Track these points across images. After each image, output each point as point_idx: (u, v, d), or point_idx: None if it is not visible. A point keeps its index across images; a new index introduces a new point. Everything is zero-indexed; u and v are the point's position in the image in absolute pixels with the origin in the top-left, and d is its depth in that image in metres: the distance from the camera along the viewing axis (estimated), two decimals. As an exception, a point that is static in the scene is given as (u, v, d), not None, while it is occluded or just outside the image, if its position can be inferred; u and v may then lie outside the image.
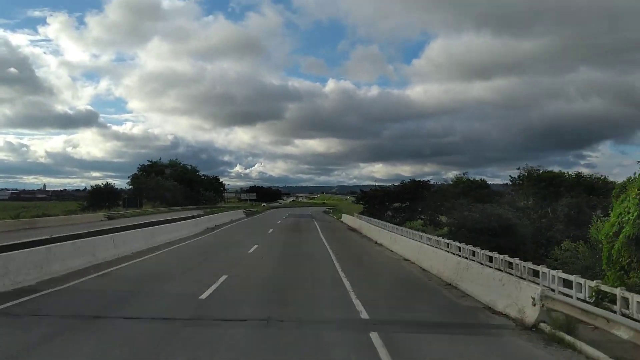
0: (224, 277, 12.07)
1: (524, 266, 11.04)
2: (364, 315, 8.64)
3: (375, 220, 32.07)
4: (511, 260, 10.12)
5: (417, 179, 46.49)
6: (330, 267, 14.86)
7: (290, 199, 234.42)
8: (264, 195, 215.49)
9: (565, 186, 50.25)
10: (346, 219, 44.12)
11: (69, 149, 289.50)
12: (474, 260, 11.97)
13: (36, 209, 64.66)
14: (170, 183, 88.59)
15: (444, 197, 46.09)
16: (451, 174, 48.77)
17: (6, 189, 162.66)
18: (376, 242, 24.35)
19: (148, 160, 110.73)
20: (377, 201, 46.28)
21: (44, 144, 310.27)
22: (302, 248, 21.09)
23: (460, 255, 12.48)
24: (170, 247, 19.55)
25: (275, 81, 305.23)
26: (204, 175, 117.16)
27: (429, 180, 47.00)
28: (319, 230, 33.35)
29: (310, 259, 16.80)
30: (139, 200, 72.02)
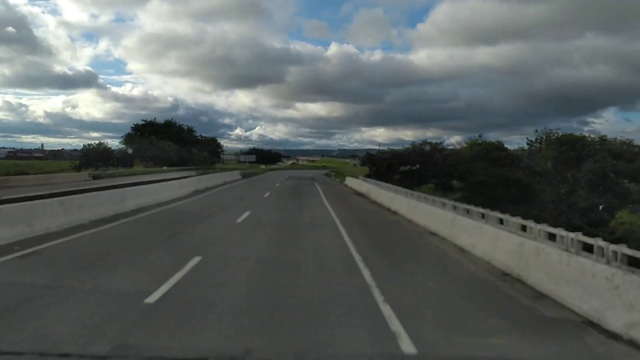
0: (194, 261, 8.65)
1: None
2: (407, 345, 5.16)
3: (385, 184, 28.61)
4: (631, 252, 6.64)
5: (429, 141, 42.68)
6: (340, 246, 11.44)
7: (290, 162, 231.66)
8: (264, 157, 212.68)
9: (588, 150, 46.53)
10: (351, 182, 40.70)
11: (68, 110, 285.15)
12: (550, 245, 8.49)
13: (27, 168, 62.11)
14: (165, 143, 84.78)
15: (458, 160, 42.50)
16: (454, 139, 44.53)
17: (3, 147, 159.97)
18: (389, 210, 20.94)
19: (142, 120, 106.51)
20: (384, 164, 42.64)
21: (42, 104, 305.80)
22: (303, 217, 17.67)
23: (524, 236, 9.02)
24: (142, 213, 16.10)
25: (277, 44, 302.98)
26: (200, 136, 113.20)
27: (441, 143, 43.16)
28: (322, 194, 29.93)
29: (313, 233, 13.35)
30: (130, 159, 68.58)
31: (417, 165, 41.87)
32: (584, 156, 44.89)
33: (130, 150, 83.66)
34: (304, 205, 21.89)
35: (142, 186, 20.70)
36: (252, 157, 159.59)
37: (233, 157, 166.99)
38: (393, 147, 46.02)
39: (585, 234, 7.73)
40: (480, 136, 47.93)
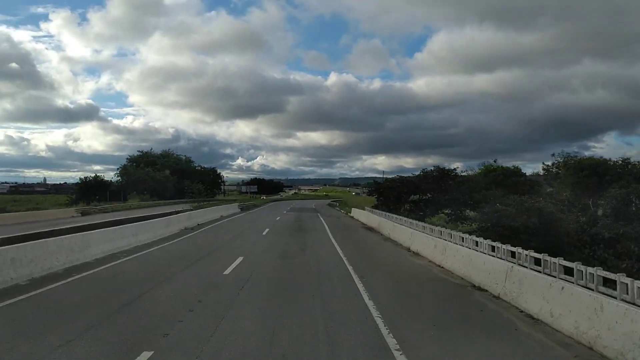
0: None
1: None
2: None
3: (397, 216, 25.44)
4: None
5: (442, 167, 39.48)
6: (358, 307, 8.25)
7: (292, 192, 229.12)
8: (266, 187, 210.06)
9: (611, 175, 43.40)
10: (358, 214, 37.51)
11: (70, 143, 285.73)
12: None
13: (25, 203, 59.54)
14: (162, 174, 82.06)
15: (472, 187, 39.30)
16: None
17: (6, 182, 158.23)
18: (409, 250, 17.66)
19: (139, 151, 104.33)
20: (394, 193, 39.46)
21: (44, 138, 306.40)
22: (308, 262, 14.38)
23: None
24: (106, 264, 12.87)
25: (277, 75, 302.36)
26: (199, 166, 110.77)
27: (454, 169, 40.02)
28: (328, 229, 26.71)
29: (323, 292, 10.06)
30: (124, 193, 65.62)
31: (429, 194, 38.70)
32: (607, 181, 41.71)
33: (122, 183, 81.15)
34: (308, 246, 18.62)
35: (117, 228, 17.50)
36: (254, 188, 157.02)
37: (235, 188, 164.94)
38: (401, 175, 42.83)
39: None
40: (495, 161, 44.96)
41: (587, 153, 68.34)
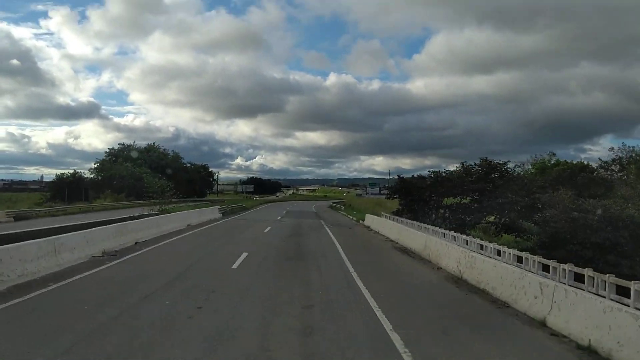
0: None
1: None
2: None
3: (462, 236, 15.68)
4: None
5: (490, 159, 29.36)
6: None
7: (290, 192, 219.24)
8: (263, 187, 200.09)
9: None
10: (377, 224, 27.62)
11: (70, 141, 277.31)
12: None
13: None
14: (143, 171, 72.00)
15: (528, 188, 29.37)
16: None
17: (2, 180, 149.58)
18: (498, 302, 7.75)
19: (119, 144, 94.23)
20: (425, 194, 29.54)
21: (45, 135, 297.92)
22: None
23: None
24: None
25: (277, 74, 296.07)
26: (190, 163, 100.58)
27: (505, 163, 29.88)
28: (343, 254, 16.74)
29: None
30: (85, 191, 55.74)
31: (471, 196, 28.73)
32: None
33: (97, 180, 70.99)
34: (313, 294, 8.81)
35: None
36: (250, 187, 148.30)
37: (232, 188, 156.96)
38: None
39: None
40: (554, 154, 34.73)
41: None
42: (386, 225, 24.70)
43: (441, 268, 13.54)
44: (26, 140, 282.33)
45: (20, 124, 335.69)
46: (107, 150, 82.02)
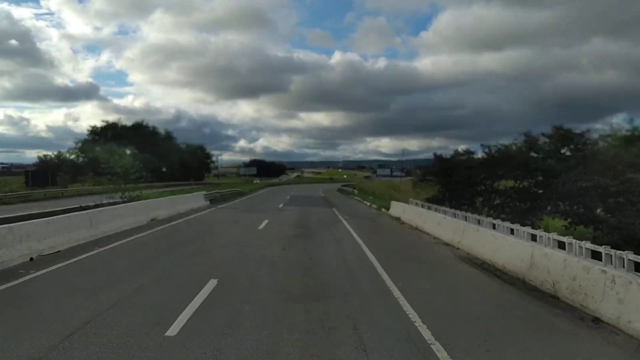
0: None
1: None
2: None
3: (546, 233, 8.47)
4: None
5: (566, 128, 21.79)
6: None
7: (295, 174, 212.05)
8: (266, 169, 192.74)
9: None
10: (408, 213, 20.26)
11: (70, 123, 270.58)
12: None
13: None
14: (120, 152, 64.87)
15: (609, 166, 21.94)
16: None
17: (2, 163, 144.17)
18: None
19: (103, 121, 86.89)
20: (478, 176, 22.19)
21: (44, 118, 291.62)
22: None
23: None
24: None
25: (280, 53, 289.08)
26: (185, 144, 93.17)
27: (584, 132, 22.29)
28: (377, 264, 9.48)
29: None
30: (50, 176, 48.74)
31: (540, 177, 21.37)
32: None
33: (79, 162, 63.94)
34: None
35: None
36: (253, 170, 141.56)
37: (235, 171, 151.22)
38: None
39: None
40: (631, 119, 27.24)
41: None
42: (430, 219, 17.38)
43: (600, 321, 6.33)
44: (25, 122, 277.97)
45: (19, 106, 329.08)
46: (90, 129, 74.74)
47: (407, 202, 24.57)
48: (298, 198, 40.08)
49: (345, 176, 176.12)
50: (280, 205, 28.56)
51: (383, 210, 26.70)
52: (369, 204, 33.12)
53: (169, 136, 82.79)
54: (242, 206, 27.84)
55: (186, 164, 79.30)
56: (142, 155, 66.45)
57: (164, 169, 70.28)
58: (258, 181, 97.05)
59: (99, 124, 73.54)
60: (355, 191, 48.59)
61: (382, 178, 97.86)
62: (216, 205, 27.10)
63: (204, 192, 27.78)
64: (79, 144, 65.28)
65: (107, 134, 70.57)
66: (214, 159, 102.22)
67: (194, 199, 25.84)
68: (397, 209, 23.33)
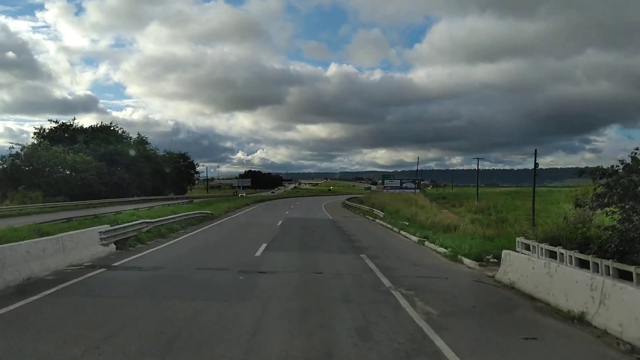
0: None
1: None
2: None
3: None
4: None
5: None
6: None
7: (292, 186, 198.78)
8: (262, 181, 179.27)
9: None
10: (558, 283, 6.57)
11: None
12: None
13: None
14: (81, 158, 51.16)
15: None
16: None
17: None
18: None
19: (50, 120, 73.37)
20: None
21: None
22: None
23: None
24: None
25: (277, 65, 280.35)
26: (165, 152, 79.64)
27: None
28: None
29: None
30: None
31: None
32: None
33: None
34: None
35: None
36: (247, 182, 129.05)
37: (231, 182, 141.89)
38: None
39: None
40: None
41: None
42: None
43: None
44: (25, 135, 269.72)
45: (18, 119, 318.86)
46: (37, 130, 60.80)
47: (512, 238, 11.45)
48: (293, 225, 26.50)
49: (365, 189, 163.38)
50: (260, 250, 14.96)
51: (465, 261, 13.22)
52: (416, 238, 19.54)
53: (142, 141, 69.13)
54: (173, 260, 13.61)
55: (163, 174, 65.61)
56: (98, 164, 52.87)
57: (128, 181, 56.59)
58: (244, 194, 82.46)
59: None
60: (378, 212, 34.66)
61: (391, 190, 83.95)
62: (119, 258, 13.18)
63: (108, 227, 13.86)
64: (12, 148, 50.72)
65: (58, 136, 56.92)
66: (199, 169, 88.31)
67: (90, 237, 12.27)
68: (514, 263, 9.98)
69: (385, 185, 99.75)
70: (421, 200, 69.18)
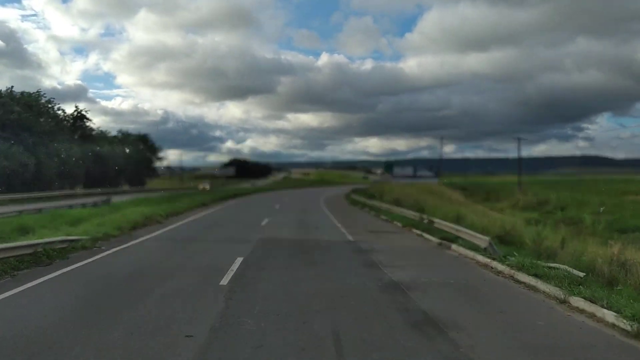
0: None
1: None
2: None
3: None
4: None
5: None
6: None
7: (282, 176, 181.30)
8: (249, 170, 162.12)
9: None
10: None
11: None
12: None
13: None
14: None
15: None
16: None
17: None
18: None
19: None
20: None
21: None
22: None
23: None
24: None
25: (268, 54, 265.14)
26: (119, 132, 63.41)
27: None
28: None
29: None
30: None
31: None
32: None
33: None
34: None
35: None
36: (231, 171, 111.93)
37: (213, 172, 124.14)
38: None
39: None
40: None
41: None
42: None
43: None
44: None
45: None
46: None
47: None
48: (274, 259, 10.96)
49: (363, 177, 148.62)
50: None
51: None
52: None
53: (81, 116, 52.64)
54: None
55: (104, 160, 49.32)
56: (17, 149, 37.04)
57: (61, 168, 40.51)
58: (207, 187, 62.44)
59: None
60: (440, 221, 18.09)
61: (402, 180, 68.19)
62: None
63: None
64: None
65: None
66: (160, 155, 70.96)
67: None
68: None
69: (394, 173, 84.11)
70: (448, 193, 54.00)
